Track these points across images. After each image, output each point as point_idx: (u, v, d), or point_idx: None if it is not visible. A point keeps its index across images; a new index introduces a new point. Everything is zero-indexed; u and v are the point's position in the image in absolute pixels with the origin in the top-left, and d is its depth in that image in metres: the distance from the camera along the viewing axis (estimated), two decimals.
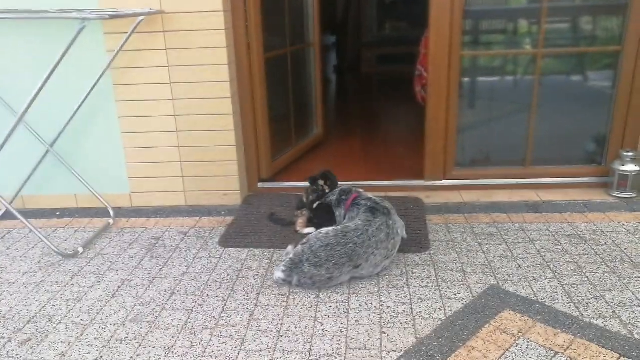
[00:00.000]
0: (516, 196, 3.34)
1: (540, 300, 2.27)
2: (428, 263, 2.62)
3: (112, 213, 3.28)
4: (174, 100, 3.19)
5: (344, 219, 2.75)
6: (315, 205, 2.94)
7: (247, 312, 2.29)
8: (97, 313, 2.33)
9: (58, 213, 3.43)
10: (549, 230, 2.91)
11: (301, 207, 3.07)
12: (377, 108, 6.11)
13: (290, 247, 2.66)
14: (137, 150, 3.32)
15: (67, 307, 2.38)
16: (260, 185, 3.61)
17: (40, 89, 2.61)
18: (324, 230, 2.50)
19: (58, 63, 2.61)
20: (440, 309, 2.24)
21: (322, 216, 2.87)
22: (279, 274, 2.43)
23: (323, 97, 4.58)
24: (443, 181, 3.47)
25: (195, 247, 2.90)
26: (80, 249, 2.89)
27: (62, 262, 2.80)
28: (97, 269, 2.71)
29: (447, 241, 2.84)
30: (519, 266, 2.56)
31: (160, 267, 2.71)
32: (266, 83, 3.50)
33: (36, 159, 3.26)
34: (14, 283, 2.60)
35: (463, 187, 3.45)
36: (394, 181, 3.55)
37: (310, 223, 2.98)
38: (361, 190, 2.85)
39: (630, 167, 3.22)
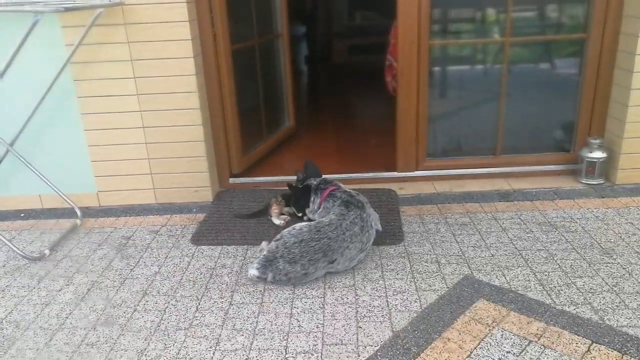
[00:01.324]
0: (488, 185, 3.37)
1: (513, 289, 2.30)
2: (402, 255, 2.63)
3: (79, 213, 3.18)
4: (138, 95, 3.10)
5: (318, 208, 2.75)
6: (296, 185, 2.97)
7: (222, 310, 2.26)
8: (67, 317, 2.26)
9: (22, 215, 3.31)
10: (520, 219, 2.94)
11: (285, 198, 3.07)
12: (349, 99, 6.09)
13: (264, 243, 2.63)
14: (102, 148, 3.22)
15: (35, 312, 2.30)
16: (232, 180, 3.56)
17: None
18: (298, 225, 2.47)
19: (12, 59, 2.50)
20: (415, 301, 2.25)
21: (298, 194, 2.92)
22: (253, 271, 2.40)
23: (294, 88, 4.53)
24: (416, 172, 3.48)
25: (167, 246, 2.84)
26: (47, 252, 2.79)
27: (28, 265, 2.70)
28: (65, 271, 2.63)
29: (421, 232, 2.84)
30: (492, 255, 2.58)
31: (132, 267, 2.64)
32: (234, 76, 3.43)
33: None
34: None
35: (435, 177, 3.46)
36: (366, 173, 3.54)
37: (286, 202, 3.05)
38: (341, 184, 2.84)
39: (597, 154, 3.28)
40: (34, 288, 2.49)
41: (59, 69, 2.96)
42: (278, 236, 2.45)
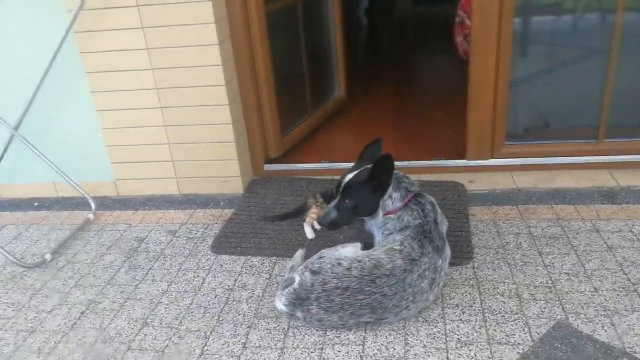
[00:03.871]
0: (585, 180, 2.63)
1: (629, 350, 1.64)
2: (471, 282, 2.02)
3: (93, 206, 2.79)
4: (153, 70, 2.59)
5: (390, 213, 1.94)
6: (346, 183, 1.95)
7: (232, 357, 1.77)
8: (49, 353, 1.87)
9: (36, 204, 2.97)
10: (632, 232, 2.22)
11: (328, 197, 2.46)
12: (412, 62, 5.30)
13: (299, 254, 2.11)
14: (117, 131, 2.77)
15: (16, 343, 1.93)
16: (267, 167, 3.03)
17: None
18: (345, 255, 1.81)
19: None
20: None
21: (358, 196, 1.94)
22: (280, 306, 1.87)
23: (347, 51, 3.85)
24: (490, 160, 2.79)
25: (183, 254, 2.38)
26: (49, 256, 2.42)
27: (25, 273, 2.34)
28: (63, 284, 2.24)
29: (496, 247, 2.21)
30: (595, 290, 1.91)
31: (137, 282, 2.21)
32: (269, 42, 2.84)
33: (2, 145, 2.76)
34: None
35: (516, 167, 2.75)
36: (428, 161, 2.88)
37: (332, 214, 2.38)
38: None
39: None
40: (23, 307, 2.12)
41: (61, 39, 2.50)
42: (317, 263, 1.81)
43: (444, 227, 1.97)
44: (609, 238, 2.19)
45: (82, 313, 2.05)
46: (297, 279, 1.83)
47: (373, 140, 2.11)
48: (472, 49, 2.59)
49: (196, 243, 2.46)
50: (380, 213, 1.95)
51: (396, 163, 2.79)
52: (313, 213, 2.44)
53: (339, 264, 1.77)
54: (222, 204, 2.79)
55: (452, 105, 3.50)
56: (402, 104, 4.01)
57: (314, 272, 1.78)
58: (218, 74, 2.57)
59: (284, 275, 2.12)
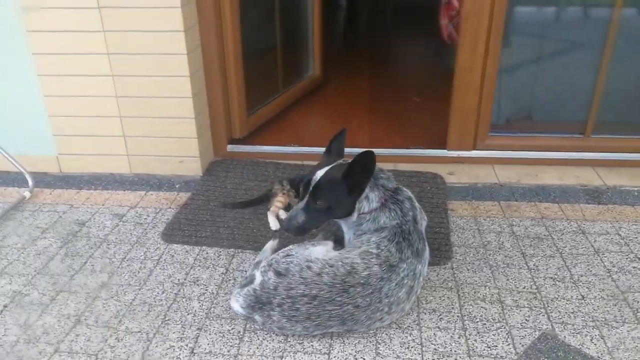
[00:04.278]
0: (569, 177, 2.47)
1: None
2: (450, 284, 1.83)
3: (30, 182, 2.48)
4: (105, 33, 2.29)
5: (365, 212, 1.67)
6: (317, 182, 1.64)
7: None
8: None
9: None
10: (619, 235, 2.08)
11: (296, 183, 2.23)
12: (391, 45, 5.06)
13: (269, 246, 1.88)
14: (61, 100, 2.46)
15: None
16: (230, 148, 2.77)
17: None
18: (317, 256, 1.57)
19: None
20: None
21: (331, 197, 1.64)
22: (236, 307, 1.64)
23: (323, 27, 3.59)
24: (472, 152, 2.60)
25: (129, 241, 2.12)
26: None
27: None
28: None
29: (476, 247, 2.03)
30: (583, 298, 1.75)
31: (74, 272, 1.94)
32: (240, 10, 2.56)
33: None
34: None
35: (499, 160, 2.58)
36: (406, 149, 2.68)
37: (296, 192, 2.17)
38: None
39: None
40: None
41: None
42: (282, 263, 1.57)
43: (423, 223, 1.76)
44: (595, 241, 2.04)
45: (4, 306, 1.77)
46: (259, 278, 1.60)
47: (339, 132, 1.79)
48: (461, 30, 2.38)
49: (145, 229, 2.19)
50: (355, 215, 1.69)
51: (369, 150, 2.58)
52: (279, 201, 2.20)
53: (309, 267, 1.53)
54: (177, 186, 2.52)
55: (433, 92, 3.32)
56: (380, 87, 3.78)
57: (278, 274, 1.55)
58: (179, 42, 2.29)
59: (243, 272, 1.90)
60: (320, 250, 1.60)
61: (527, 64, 2.58)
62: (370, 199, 1.67)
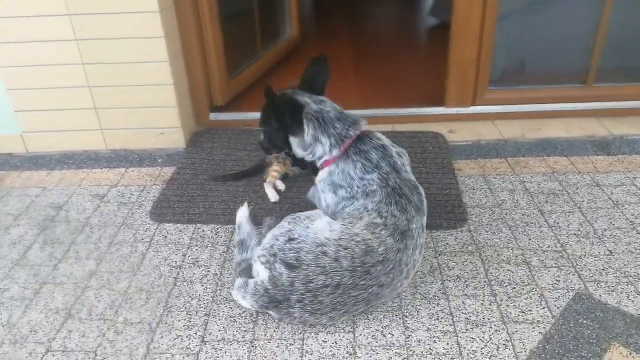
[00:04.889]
0: (575, 128, 2.38)
1: None
2: (470, 248, 1.71)
3: None
4: None
5: (319, 165, 1.59)
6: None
7: (189, 355, 1.38)
8: None
9: None
10: (635, 185, 2.00)
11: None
12: (373, 2, 4.83)
13: (267, 222, 1.72)
14: (20, 70, 2.19)
15: None
16: (213, 116, 2.56)
17: None
18: (324, 236, 1.38)
19: None
20: (505, 346, 1.37)
21: (264, 123, 1.70)
22: (244, 303, 1.46)
23: None
24: (472, 107, 2.47)
25: (115, 223, 1.92)
26: None
27: None
28: None
29: (491, 207, 1.91)
30: (610, 253, 1.67)
31: (56, 261, 1.73)
32: None
33: None
34: None
35: (499, 115, 2.46)
36: (401, 109, 2.53)
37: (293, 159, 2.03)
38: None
39: None
40: None
41: None
42: (289, 251, 1.37)
43: (407, 169, 1.55)
44: (612, 193, 1.96)
45: None
46: (264, 272, 1.40)
47: (315, 58, 1.66)
48: None
49: (131, 209, 1.99)
50: (308, 155, 1.61)
51: (362, 112, 2.43)
52: (274, 171, 2.03)
53: (324, 252, 1.35)
54: (160, 161, 2.31)
55: (421, 48, 3.17)
56: (365, 47, 3.59)
57: (290, 266, 1.36)
58: None
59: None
60: (322, 226, 1.42)
61: (525, 12, 2.44)
62: (323, 143, 1.54)
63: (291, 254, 1.37)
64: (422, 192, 1.53)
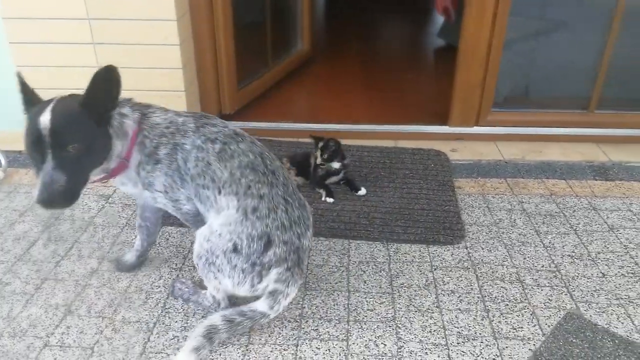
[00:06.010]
0: (574, 153, 2.42)
1: None
2: (465, 264, 1.74)
3: (3, 162, 2.28)
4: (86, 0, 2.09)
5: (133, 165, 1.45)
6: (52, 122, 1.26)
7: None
8: None
9: None
10: (630, 211, 2.03)
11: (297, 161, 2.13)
12: (386, 16, 4.88)
13: (178, 286, 1.64)
14: (35, 70, 2.25)
15: None
16: None
17: None
18: (210, 239, 1.40)
19: None
20: None
21: (78, 130, 1.29)
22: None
23: (311, 2, 3.44)
24: (475, 128, 2.52)
25: (118, 224, 1.96)
26: None
27: None
28: None
29: (488, 225, 1.94)
30: (603, 276, 1.69)
31: (59, 258, 1.77)
32: None
33: None
34: None
35: (501, 136, 2.50)
36: (406, 125, 2.57)
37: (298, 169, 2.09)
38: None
39: None
40: None
41: None
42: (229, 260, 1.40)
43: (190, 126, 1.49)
44: (608, 217, 1.99)
45: None
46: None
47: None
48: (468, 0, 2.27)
49: (135, 211, 2.02)
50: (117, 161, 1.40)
51: (366, 126, 2.49)
52: None
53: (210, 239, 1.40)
54: None
55: (427, 68, 3.22)
56: (373, 63, 3.65)
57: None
58: (168, 8, 2.11)
59: None
60: (200, 242, 1.43)
61: (531, 38, 2.49)
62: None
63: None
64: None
